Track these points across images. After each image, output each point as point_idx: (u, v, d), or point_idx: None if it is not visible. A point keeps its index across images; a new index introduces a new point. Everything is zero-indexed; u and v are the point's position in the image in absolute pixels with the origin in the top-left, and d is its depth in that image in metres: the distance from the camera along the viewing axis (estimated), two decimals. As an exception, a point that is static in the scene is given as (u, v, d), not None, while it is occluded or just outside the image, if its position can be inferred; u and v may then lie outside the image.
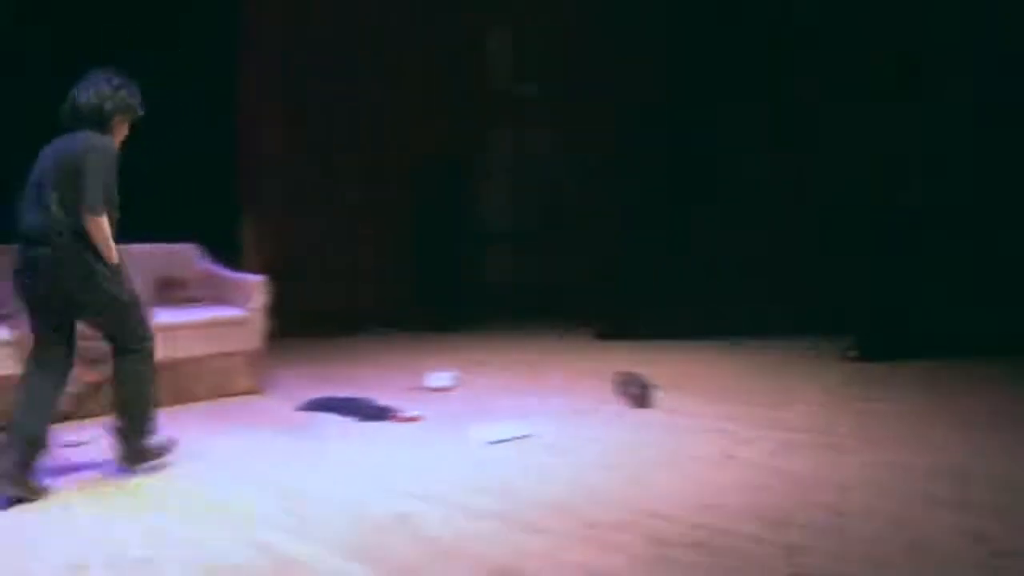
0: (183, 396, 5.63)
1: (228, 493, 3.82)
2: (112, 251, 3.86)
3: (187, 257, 6.41)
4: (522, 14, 9.87)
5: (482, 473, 4.05)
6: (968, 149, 7.28)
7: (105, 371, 5.05)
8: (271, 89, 8.37)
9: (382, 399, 5.48)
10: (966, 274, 7.06)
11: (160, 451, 4.20)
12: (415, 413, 5.13)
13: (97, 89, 3.96)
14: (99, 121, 3.93)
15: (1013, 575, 2.89)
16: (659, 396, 5.43)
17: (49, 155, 3.92)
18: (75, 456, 4.40)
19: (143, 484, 3.95)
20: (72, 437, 4.66)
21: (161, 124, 6.69)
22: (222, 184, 7.88)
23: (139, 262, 5.93)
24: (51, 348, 3.96)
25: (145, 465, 4.11)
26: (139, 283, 5.74)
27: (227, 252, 6.80)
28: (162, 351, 5.36)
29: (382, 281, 9.11)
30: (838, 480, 3.88)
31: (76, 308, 3.94)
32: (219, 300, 6.15)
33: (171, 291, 6.14)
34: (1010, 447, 4.37)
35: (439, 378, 6.03)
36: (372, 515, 3.51)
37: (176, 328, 5.63)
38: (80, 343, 4.45)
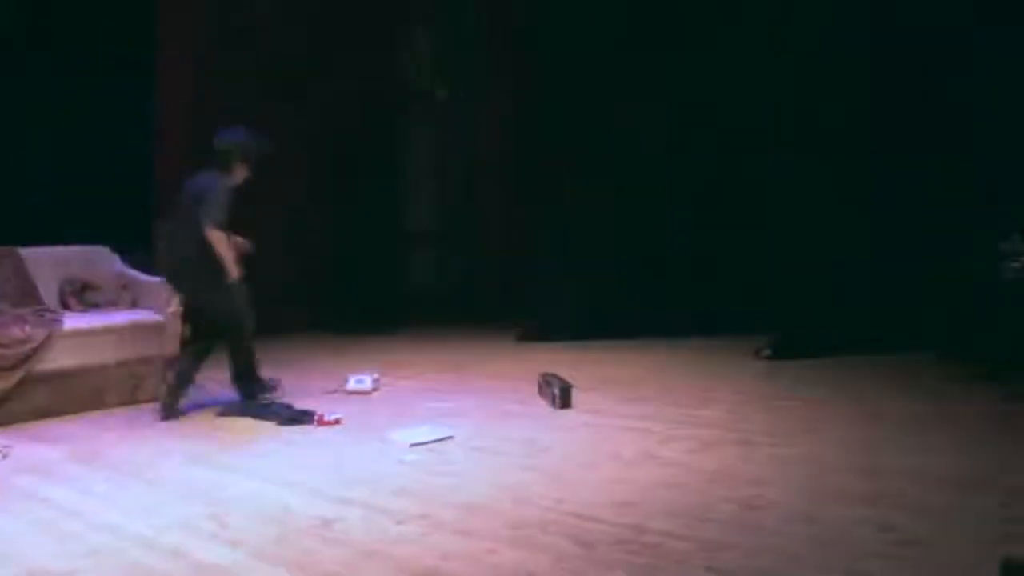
0: (96, 402, 5.52)
1: (145, 499, 3.76)
2: (227, 260, 5.14)
3: (100, 260, 6.28)
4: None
5: (404, 476, 4.05)
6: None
7: (14, 379, 4.97)
8: (183, 93, 8.20)
9: (302, 403, 5.45)
10: (868, 271, 7.28)
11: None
12: (336, 416, 5.10)
13: (227, 138, 5.35)
14: (223, 163, 5.30)
15: (916, 562, 3.02)
16: (580, 397, 5.49)
17: (187, 187, 5.31)
18: None
19: (55, 492, 3.86)
20: None
21: (80, 129, 6.66)
22: (137, 188, 7.70)
23: (50, 264, 5.89)
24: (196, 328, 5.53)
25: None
26: (47, 287, 5.71)
27: (141, 256, 6.65)
28: (73, 356, 5.33)
29: (304, 284, 8.99)
30: (753, 476, 3.99)
31: (200, 299, 5.39)
32: (133, 304, 6.04)
33: (83, 294, 6.02)
34: (918, 441, 4.54)
35: (359, 381, 6.01)
36: (294, 520, 3.49)
37: (88, 333, 5.55)
38: None
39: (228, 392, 5.67)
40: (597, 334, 8.03)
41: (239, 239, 5.38)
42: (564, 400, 5.39)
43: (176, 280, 5.61)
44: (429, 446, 4.54)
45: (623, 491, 3.79)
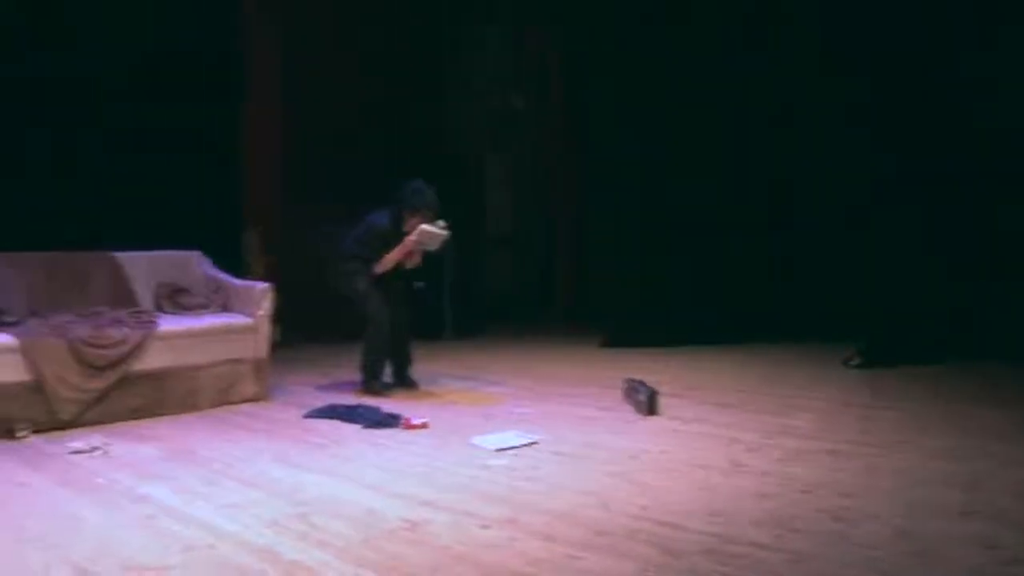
0: (189, 403, 5.65)
1: (235, 498, 3.83)
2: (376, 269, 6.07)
3: (192, 264, 6.44)
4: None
5: (490, 480, 4.05)
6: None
7: (112, 378, 5.13)
8: (272, 96, 8.42)
9: (388, 406, 5.51)
10: (967, 278, 7.06)
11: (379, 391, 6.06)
12: (422, 420, 5.13)
13: (408, 189, 6.06)
14: (396, 208, 6.07)
15: (1025, 583, 2.90)
16: (665, 403, 5.43)
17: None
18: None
19: (150, 489, 3.96)
20: (77, 443, 4.69)
21: (173, 137, 7.02)
22: (228, 195, 8.07)
23: (145, 268, 6.07)
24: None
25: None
26: (143, 290, 5.88)
27: (230, 261, 6.84)
28: (167, 358, 5.47)
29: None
30: (844, 487, 3.88)
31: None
32: (225, 307, 6.17)
33: (177, 297, 6.18)
34: (1021, 453, 4.37)
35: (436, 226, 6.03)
36: (381, 522, 3.51)
37: (181, 335, 5.68)
38: (89, 350, 4.77)
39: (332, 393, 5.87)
40: (680, 340, 7.94)
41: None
42: (651, 406, 5.34)
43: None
44: (514, 451, 4.53)
45: (710, 500, 3.73)
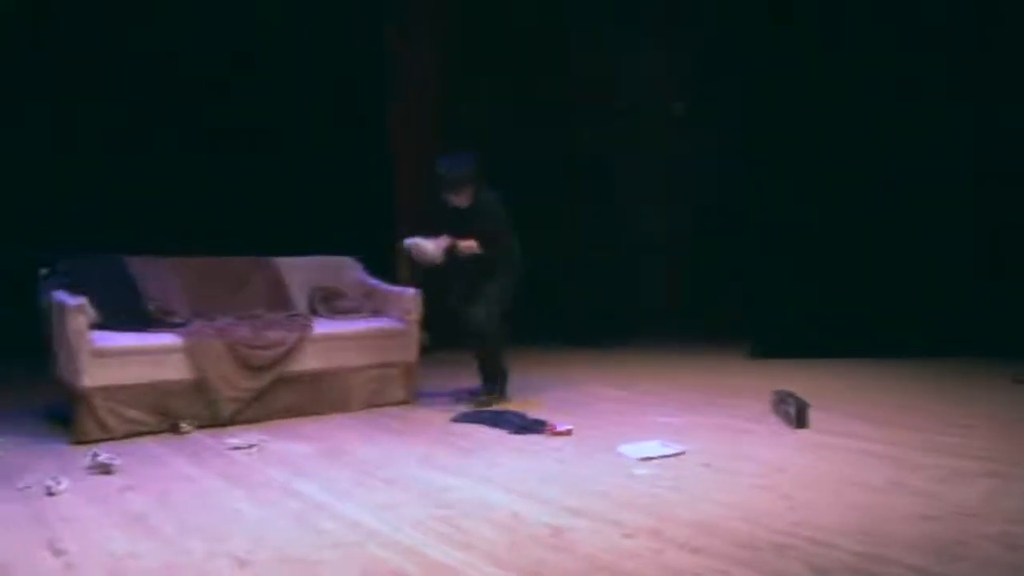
0: (340, 404, 5.81)
1: (383, 497, 3.91)
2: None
3: (345, 269, 6.62)
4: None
5: (634, 489, 4.01)
6: None
7: (269, 378, 5.34)
8: (419, 99, 8.66)
9: (534, 412, 5.54)
10: None
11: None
12: (567, 427, 5.13)
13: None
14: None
15: None
16: (817, 416, 5.27)
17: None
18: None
19: (304, 486, 4.09)
20: (236, 440, 4.89)
21: (323, 146, 7.41)
22: (379, 203, 8.40)
23: (301, 273, 6.29)
24: None
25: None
26: (299, 293, 6.10)
27: (381, 266, 7.03)
28: (321, 360, 5.64)
29: (533, 294, 9.10)
30: (1015, 512, 3.66)
31: None
32: (376, 312, 6.31)
33: (331, 302, 6.35)
34: None
35: (424, 239, 5.83)
36: (525, 527, 3.52)
37: (335, 338, 5.84)
38: (249, 351, 5.03)
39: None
40: (833, 350, 7.70)
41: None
42: (800, 419, 5.19)
43: None
44: (659, 461, 4.48)
45: (864, 519, 3.58)
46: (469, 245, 5.81)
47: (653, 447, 4.69)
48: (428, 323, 6.31)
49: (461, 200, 5.85)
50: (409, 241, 5.85)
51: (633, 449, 4.66)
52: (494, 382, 6.07)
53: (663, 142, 10.24)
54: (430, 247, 5.79)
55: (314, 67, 8.43)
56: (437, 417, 5.65)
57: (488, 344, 5.95)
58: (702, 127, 9.90)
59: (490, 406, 5.82)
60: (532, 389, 6.54)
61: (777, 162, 8.32)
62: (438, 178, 5.83)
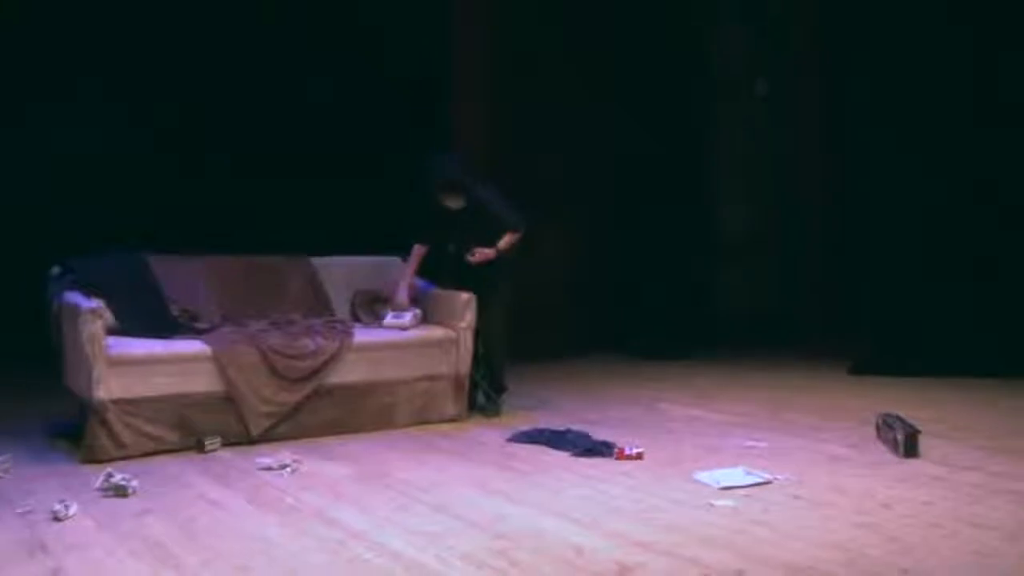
0: (384, 420, 5.83)
1: (429, 526, 3.89)
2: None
3: (391, 271, 6.57)
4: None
5: (714, 523, 3.94)
6: None
7: (304, 391, 5.35)
8: (477, 95, 8.82)
9: (600, 432, 5.50)
10: None
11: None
12: (638, 450, 5.08)
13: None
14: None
15: None
16: (929, 444, 5.14)
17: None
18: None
19: (340, 512, 4.09)
20: (267, 460, 4.92)
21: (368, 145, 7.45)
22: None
23: (342, 274, 6.31)
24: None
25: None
26: (339, 297, 6.14)
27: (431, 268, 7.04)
28: (363, 371, 5.66)
29: (594, 297, 9.15)
30: None
31: None
32: (425, 318, 6.29)
33: (374, 307, 6.39)
34: None
35: (397, 316, 6.13)
36: (590, 563, 3.47)
37: (378, 347, 5.86)
38: (282, 361, 5.06)
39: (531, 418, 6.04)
40: (949, 369, 7.53)
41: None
42: (909, 448, 5.06)
43: None
44: (743, 491, 4.41)
45: (990, 569, 3.43)
46: (507, 241, 6.21)
47: (736, 475, 4.63)
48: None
49: (455, 201, 6.18)
50: (387, 320, 6.15)
51: (713, 477, 4.59)
52: (499, 390, 6.39)
53: (746, 126, 10.14)
54: (407, 319, 6.11)
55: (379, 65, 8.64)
56: (491, 436, 5.63)
57: (497, 350, 6.36)
58: (792, 110, 9.78)
59: (497, 415, 6.20)
60: (595, 406, 6.53)
61: (887, 148, 8.15)
62: (432, 182, 6.17)
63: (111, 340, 5.09)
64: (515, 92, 8.84)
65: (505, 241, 6.19)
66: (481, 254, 6.13)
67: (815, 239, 9.73)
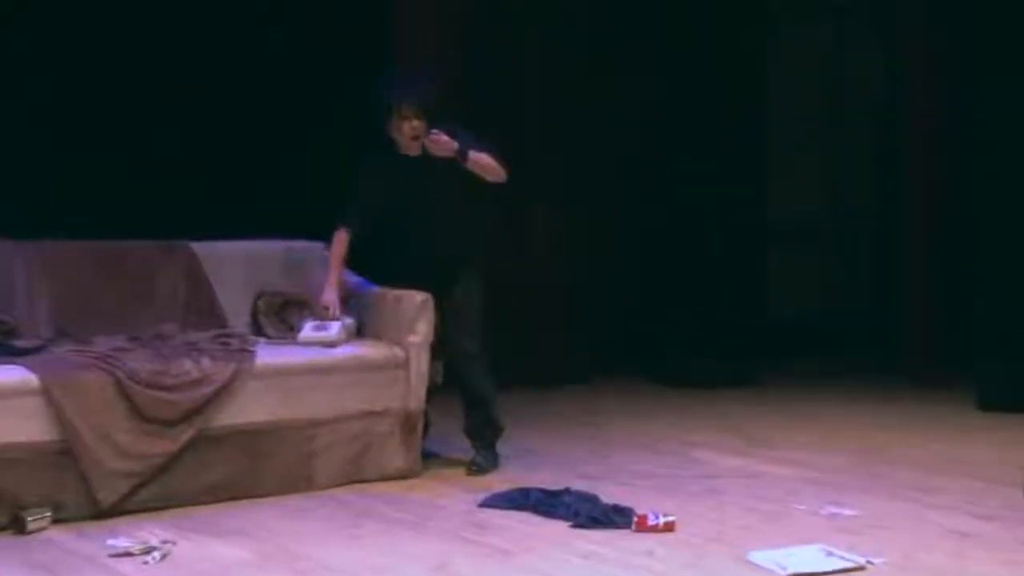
0: (299, 478, 5.72)
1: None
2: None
3: (312, 265, 6.47)
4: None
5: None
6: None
7: (181, 440, 5.17)
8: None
9: (613, 493, 5.37)
10: None
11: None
12: (668, 519, 4.93)
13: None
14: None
15: None
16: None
17: None
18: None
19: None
20: (122, 541, 4.73)
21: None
22: None
23: (240, 268, 6.29)
24: None
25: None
26: (234, 300, 5.95)
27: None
28: (269, 407, 5.64)
29: (600, 302, 9.25)
30: None
31: None
32: (360, 330, 6.20)
33: (286, 315, 6.31)
34: None
35: (320, 328, 6.01)
36: None
37: (292, 371, 5.74)
38: (149, 393, 4.84)
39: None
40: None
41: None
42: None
43: None
44: (821, 577, 4.34)
45: None
46: (488, 160, 6.00)
47: (811, 556, 4.54)
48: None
49: (413, 144, 6.00)
50: (305, 332, 6.02)
51: (776, 559, 4.50)
52: (490, 433, 6.33)
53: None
54: (333, 331, 5.97)
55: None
56: (456, 499, 5.56)
57: (478, 371, 6.26)
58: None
59: (488, 472, 6.07)
60: (602, 455, 6.53)
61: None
62: (391, 106, 6.01)
63: None
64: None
65: (486, 159, 5.98)
66: (440, 140, 5.91)
67: (918, 230, 9.63)
